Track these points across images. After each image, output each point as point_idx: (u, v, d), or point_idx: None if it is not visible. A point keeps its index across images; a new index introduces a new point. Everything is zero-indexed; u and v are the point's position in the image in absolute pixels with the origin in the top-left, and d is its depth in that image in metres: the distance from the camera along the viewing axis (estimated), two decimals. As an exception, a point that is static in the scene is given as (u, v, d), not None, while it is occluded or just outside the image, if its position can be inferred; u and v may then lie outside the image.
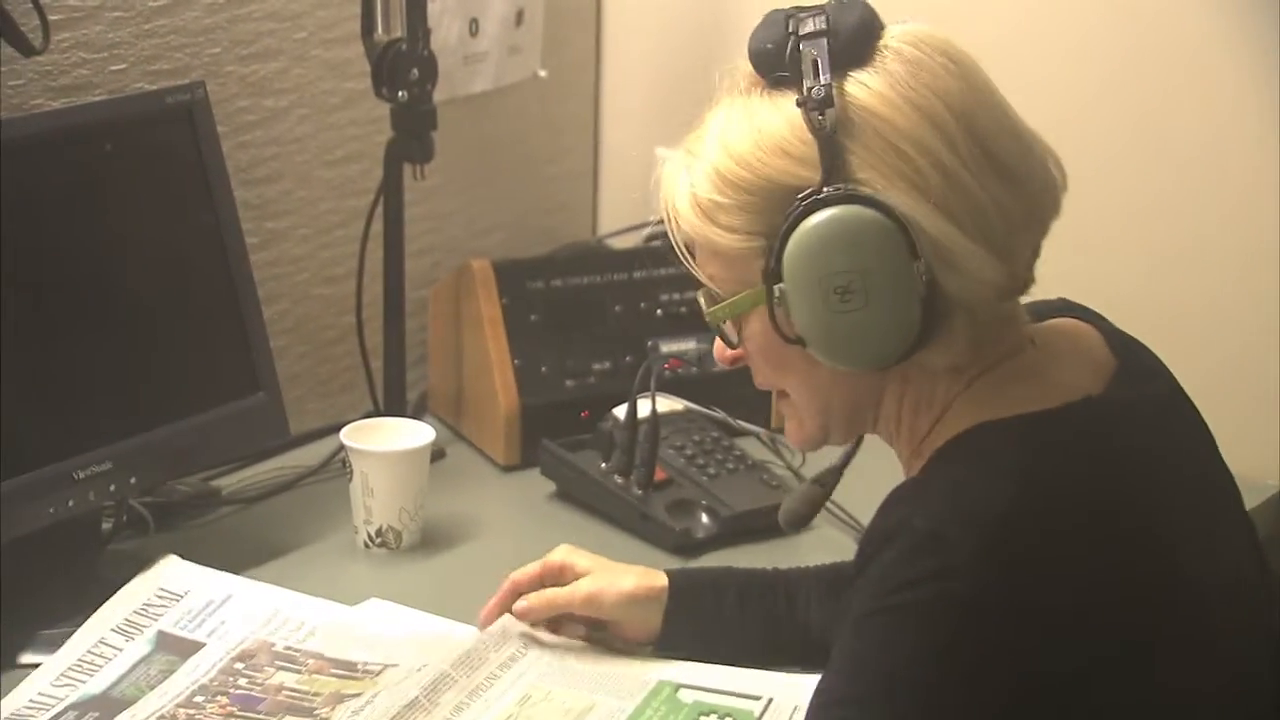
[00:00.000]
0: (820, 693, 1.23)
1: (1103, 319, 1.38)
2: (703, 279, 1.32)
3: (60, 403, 1.67)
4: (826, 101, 1.22)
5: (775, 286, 1.25)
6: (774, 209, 1.24)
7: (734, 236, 1.26)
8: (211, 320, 1.83)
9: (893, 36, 1.26)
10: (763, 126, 1.25)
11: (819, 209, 1.22)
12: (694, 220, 1.28)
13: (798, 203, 1.23)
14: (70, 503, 1.66)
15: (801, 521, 1.52)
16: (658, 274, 2.15)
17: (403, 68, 1.99)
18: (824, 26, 1.24)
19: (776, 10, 1.28)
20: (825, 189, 1.22)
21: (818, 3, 1.27)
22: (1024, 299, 1.32)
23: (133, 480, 1.73)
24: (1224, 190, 2.05)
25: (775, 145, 1.24)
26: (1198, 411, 1.36)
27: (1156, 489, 1.26)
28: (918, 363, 1.27)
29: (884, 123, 1.22)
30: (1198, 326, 2.04)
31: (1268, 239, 2.01)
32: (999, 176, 1.23)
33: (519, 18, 2.29)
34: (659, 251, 2.31)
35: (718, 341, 1.36)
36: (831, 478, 1.48)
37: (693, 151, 1.28)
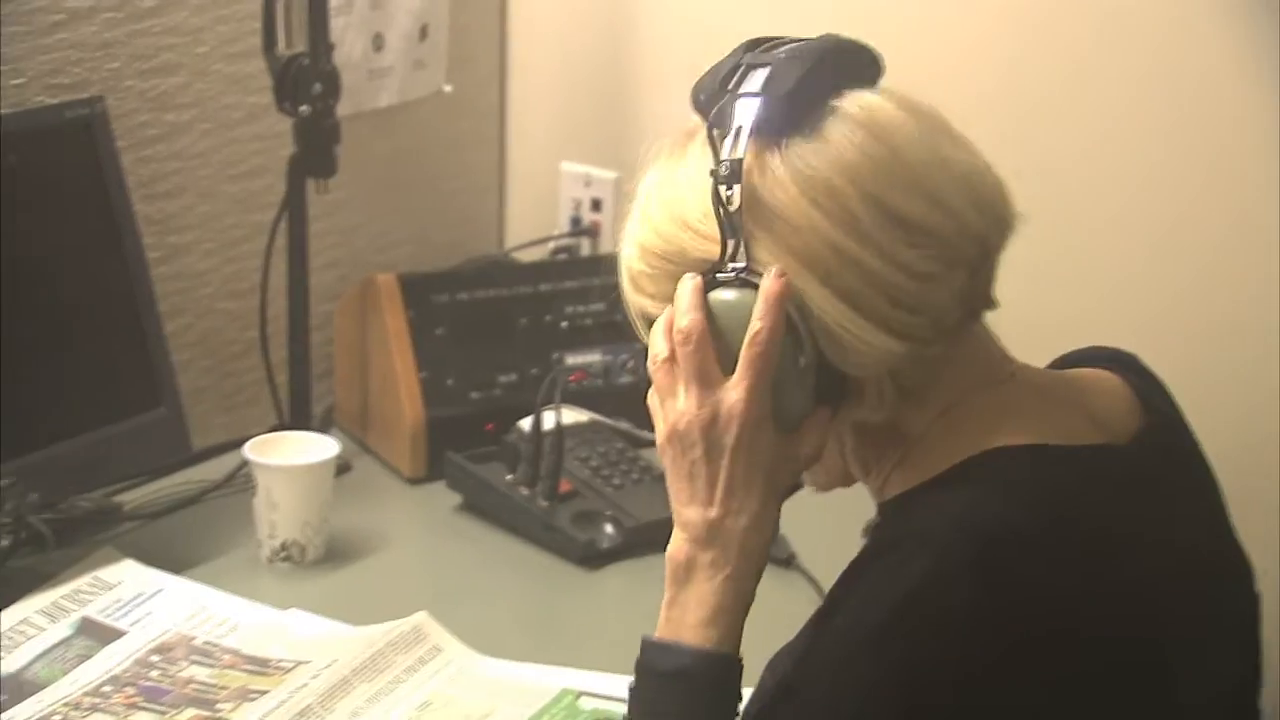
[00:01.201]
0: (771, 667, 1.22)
1: (1138, 377, 1.32)
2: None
3: (-43, 418, 1.66)
4: (734, 178, 1.18)
5: None
6: None
7: (660, 304, 1.24)
8: (112, 335, 1.83)
9: (834, 100, 1.20)
10: (684, 194, 1.22)
11: (712, 289, 1.20)
12: (629, 291, 1.26)
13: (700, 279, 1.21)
14: (-33, 519, 1.66)
15: None
16: (563, 287, 2.16)
17: (305, 82, 1.99)
18: (759, 88, 1.20)
19: (737, 51, 1.24)
20: (723, 268, 1.20)
21: (783, 38, 1.23)
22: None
23: (32, 496, 1.71)
24: (1220, 184, 1.97)
25: (689, 217, 1.22)
26: (1214, 486, 1.32)
27: (1114, 552, 1.20)
28: (848, 419, 1.24)
29: (781, 204, 1.18)
30: (1189, 326, 1.97)
31: (1267, 235, 1.93)
32: (911, 241, 1.18)
33: (423, 33, 2.29)
34: (564, 265, 2.34)
35: None
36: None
37: (631, 216, 1.26)
